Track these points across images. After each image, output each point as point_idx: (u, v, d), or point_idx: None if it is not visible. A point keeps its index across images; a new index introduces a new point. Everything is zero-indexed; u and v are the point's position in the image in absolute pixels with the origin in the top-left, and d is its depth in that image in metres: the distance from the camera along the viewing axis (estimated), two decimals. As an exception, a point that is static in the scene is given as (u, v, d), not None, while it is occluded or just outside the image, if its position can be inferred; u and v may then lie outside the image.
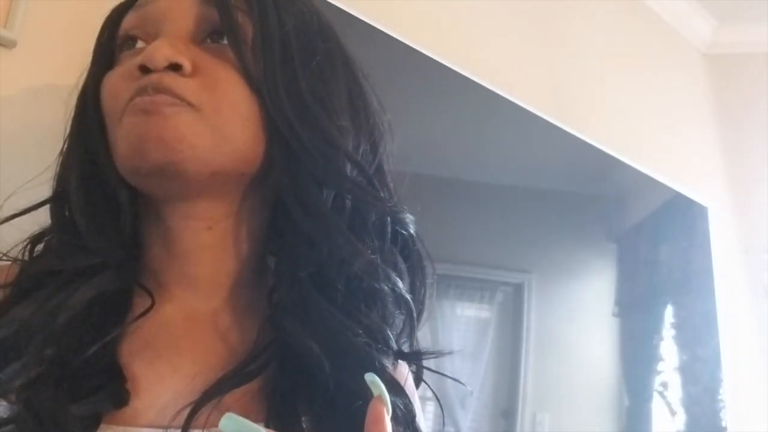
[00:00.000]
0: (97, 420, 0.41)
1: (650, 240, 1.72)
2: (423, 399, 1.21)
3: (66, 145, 0.54)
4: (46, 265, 0.47)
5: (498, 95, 1.34)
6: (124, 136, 0.46)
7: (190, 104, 0.45)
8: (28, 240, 0.51)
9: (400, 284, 0.53)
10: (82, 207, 0.49)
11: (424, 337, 1.32)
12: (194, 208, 0.49)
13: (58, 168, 0.54)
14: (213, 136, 0.46)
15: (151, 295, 0.47)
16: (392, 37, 1.17)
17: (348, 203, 0.51)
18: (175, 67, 0.46)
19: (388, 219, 0.53)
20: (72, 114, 0.55)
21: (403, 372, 0.55)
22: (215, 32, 0.49)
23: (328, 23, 0.56)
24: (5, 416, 0.39)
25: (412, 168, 1.24)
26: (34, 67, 0.73)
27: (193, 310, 0.50)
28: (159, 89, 0.45)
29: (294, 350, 0.47)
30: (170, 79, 0.45)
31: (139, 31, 0.50)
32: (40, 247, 0.52)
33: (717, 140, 2.09)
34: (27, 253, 0.51)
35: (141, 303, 0.47)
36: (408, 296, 0.54)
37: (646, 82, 1.87)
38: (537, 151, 1.46)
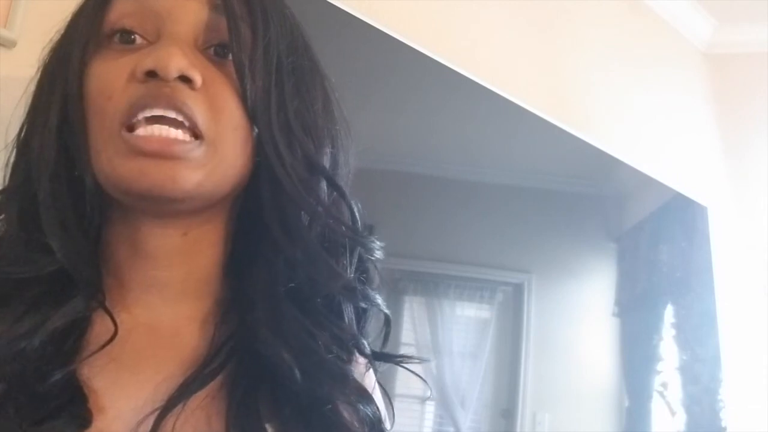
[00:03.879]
0: None
1: (650, 240, 1.72)
2: (423, 399, 1.21)
3: (28, 132, 0.49)
4: (5, 270, 0.45)
5: (498, 95, 1.34)
6: (123, 160, 0.43)
7: (199, 135, 0.44)
8: None
9: (379, 300, 0.54)
10: (51, 204, 0.46)
11: (424, 337, 1.33)
12: (173, 219, 0.48)
13: (14, 155, 0.50)
14: (217, 169, 0.46)
15: (115, 323, 0.45)
16: (392, 37, 1.17)
17: (322, 228, 0.51)
18: (185, 79, 0.44)
19: (357, 247, 0.53)
20: (36, 95, 0.50)
21: (372, 378, 0.55)
22: (220, 45, 0.48)
23: (308, 37, 0.55)
24: None
25: (412, 168, 1.25)
26: (34, 67, 0.73)
27: (156, 316, 0.49)
28: (172, 104, 0.43)
29: (260, 355, 0.47)
30: (183, 95, 0.44)
31: (137, 24, 0.47)
32: None
33: (717, 140, 2.09)
34: None
35: (100, 319, 0.46)
36: (387, 311, 0.55)
37: (646, 82, 1.87)
38: (537, 151, 1.46)
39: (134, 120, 0.43)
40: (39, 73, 0.51)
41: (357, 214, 0.53)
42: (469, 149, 1.33)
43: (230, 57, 0.47)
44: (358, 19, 1.11)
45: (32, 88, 0.51)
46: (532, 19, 1.55)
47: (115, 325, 0.45)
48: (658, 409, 1.63)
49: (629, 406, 1.56)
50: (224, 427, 0.43)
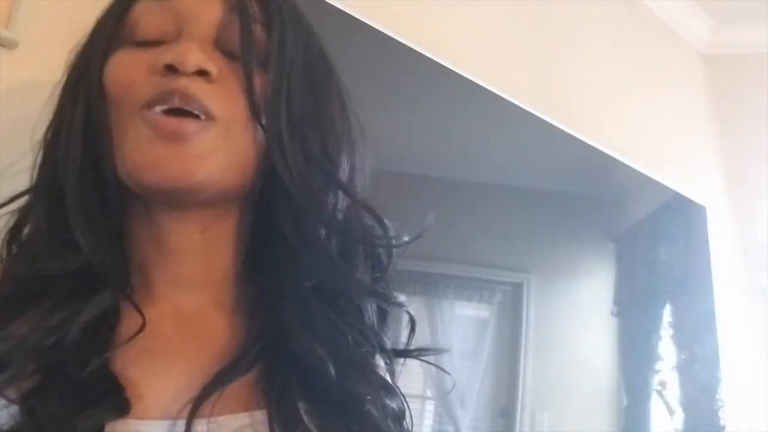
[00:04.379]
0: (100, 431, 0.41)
1: (649, 240, 1.73)
2: (423, 398, 1.22)
3: (55, 132, 0.51)
4: (33, 267, 0.46)
5: (497, 95, 1.34)
6: (140, 148, 0.45)
7: (211, 117, 0.46)
8: (6, 234, 0.50)
9: (401, 301, 0.56)
10: (78, 201, 0.47)
11: (423, 337, 1.33)
12: (190, 214, 0.49)
13: (42, 155, 0.52)
14: (227, 155, 0.47)
15: (142, 315, 0.46)
16: (392, 39, 1.17)
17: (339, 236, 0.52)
18: (202, 72, 0.46)
19: (380, 250, 0.55)
20: (61, 96, 0.52)
21: (393, 375, 0.57)
22: (235, 45, 0.49)
23: (325, 44, 0.56)
24: (7, 428, 0.39)
25: (412, 168, 1.25)
26: (36, 67, 0.73)
27: (182, 309, 0.50)
28: (187, 97, 0.45)
29: (291, 350, 0.47)
30: (198, 87, 0.45)
31: (158, 23, 0.49)
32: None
33: (716, 140, 2.09)
34: (5, 247, 0.50)
35: (129, 313, 0.47)
36: (411, 312, 0.57)
37: (645, 82, 1.87)
38: (537, 151, 1.46)
39: (152, 109, 0.45)
40: (65, 75, 0.53)
41: (378, 217, 0.54)
42: (469, 149, 1.33)
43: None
44: (357, 19, 1.11)
45: (59, 91, 0.53)
46: (532, 20, 1.56)
47: (143, 316, 0.46)
48: (656, 408, 1.63)
49: (628, 405, 1.56)
50: (265, 415, 0.45)
